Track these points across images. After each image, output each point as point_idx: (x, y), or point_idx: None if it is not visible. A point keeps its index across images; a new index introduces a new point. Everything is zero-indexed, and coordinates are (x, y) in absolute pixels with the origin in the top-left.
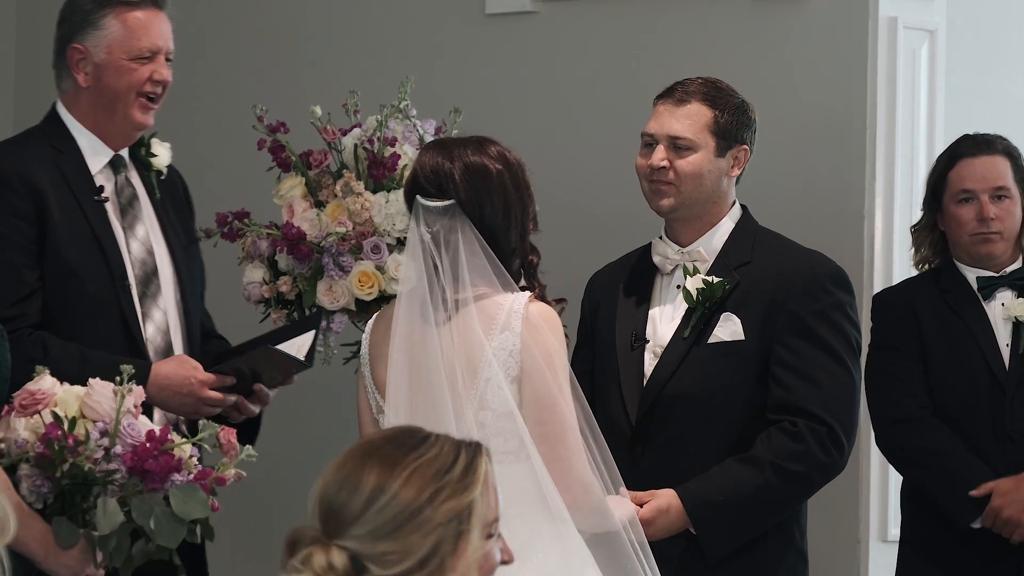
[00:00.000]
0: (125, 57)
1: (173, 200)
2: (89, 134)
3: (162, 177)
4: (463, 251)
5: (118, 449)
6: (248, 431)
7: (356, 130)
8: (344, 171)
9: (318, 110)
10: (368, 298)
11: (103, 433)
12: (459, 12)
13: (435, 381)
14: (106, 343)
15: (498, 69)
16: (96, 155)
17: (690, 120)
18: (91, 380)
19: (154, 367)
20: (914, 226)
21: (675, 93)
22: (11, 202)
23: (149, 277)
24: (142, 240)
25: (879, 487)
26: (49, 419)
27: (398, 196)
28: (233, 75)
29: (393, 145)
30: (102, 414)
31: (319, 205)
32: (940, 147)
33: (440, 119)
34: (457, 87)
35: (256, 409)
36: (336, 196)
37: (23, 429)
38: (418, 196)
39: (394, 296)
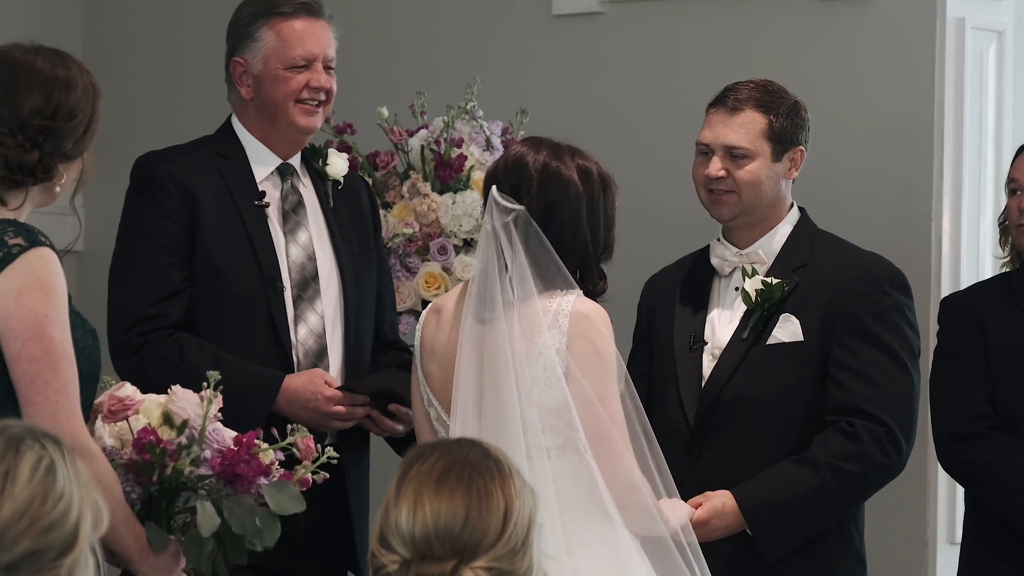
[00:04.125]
0: (280, 67)
1: (351, 209)
2: (257, 143)
3: (339, 187)
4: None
5: (207, 454)
6: (403, 446)
7: (423, 131)
8: (411, 172)
9: (385, 111)
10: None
11: (190, 439)
12: (526, 13)
13: (502, 377)
14: (252, 343)
15: (564, 70)
16: (262, 163)
17: (745, 129)
18: (173, 387)
19: (285, 380)
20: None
21: (727, 101)
22: (163, 203)
23: (307, 281)
24: (303, 245)
25: (947, 489)
26: (138, 425)
27: (464, 197)
28: None
29: (460, 146)
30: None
31: (386, 206)
32: (1008, 148)
33: (507, 120)
34: (523, 88)
35: (400, 428)
36: (403, 197)
37: (108, 436)
38: None
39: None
